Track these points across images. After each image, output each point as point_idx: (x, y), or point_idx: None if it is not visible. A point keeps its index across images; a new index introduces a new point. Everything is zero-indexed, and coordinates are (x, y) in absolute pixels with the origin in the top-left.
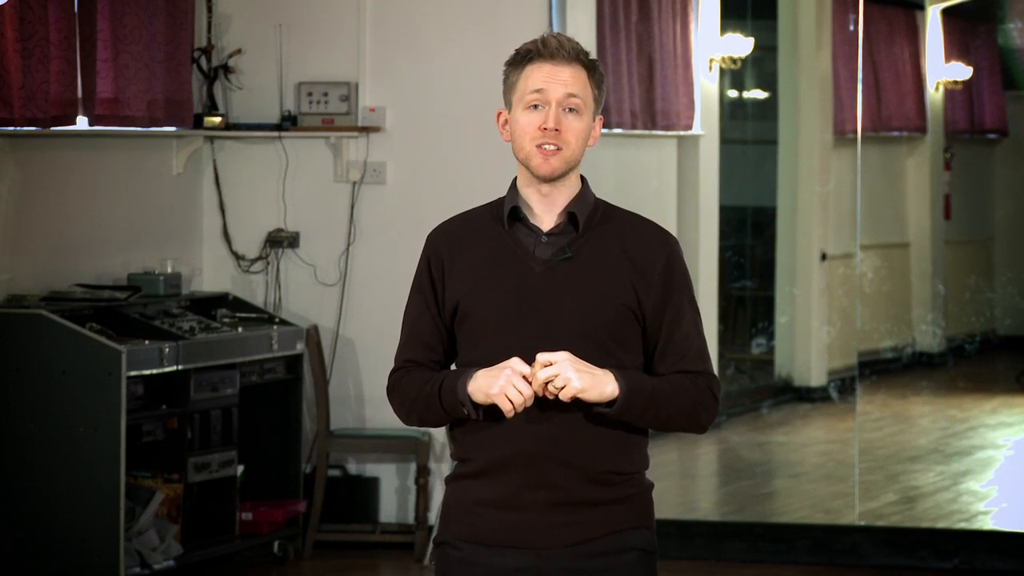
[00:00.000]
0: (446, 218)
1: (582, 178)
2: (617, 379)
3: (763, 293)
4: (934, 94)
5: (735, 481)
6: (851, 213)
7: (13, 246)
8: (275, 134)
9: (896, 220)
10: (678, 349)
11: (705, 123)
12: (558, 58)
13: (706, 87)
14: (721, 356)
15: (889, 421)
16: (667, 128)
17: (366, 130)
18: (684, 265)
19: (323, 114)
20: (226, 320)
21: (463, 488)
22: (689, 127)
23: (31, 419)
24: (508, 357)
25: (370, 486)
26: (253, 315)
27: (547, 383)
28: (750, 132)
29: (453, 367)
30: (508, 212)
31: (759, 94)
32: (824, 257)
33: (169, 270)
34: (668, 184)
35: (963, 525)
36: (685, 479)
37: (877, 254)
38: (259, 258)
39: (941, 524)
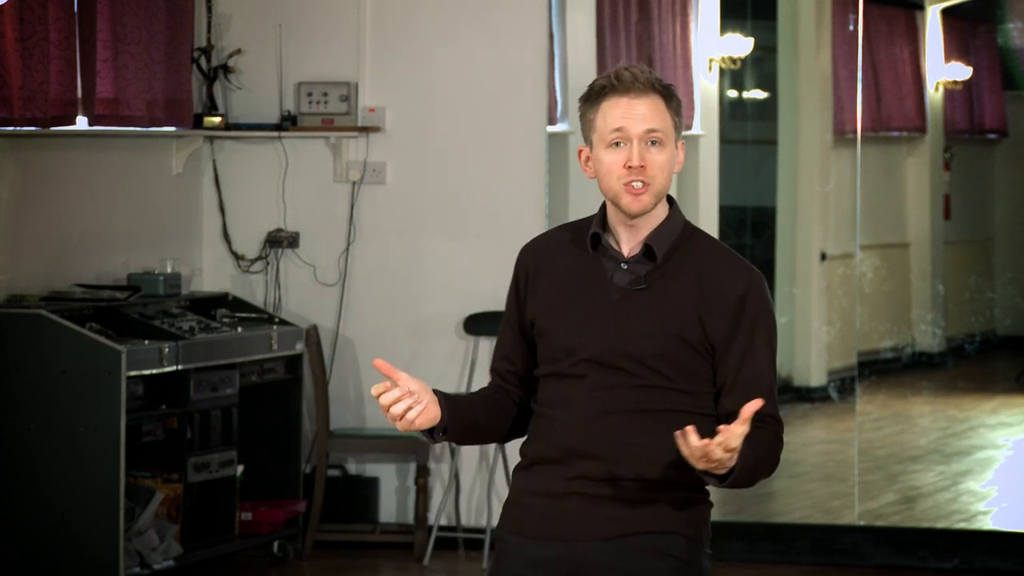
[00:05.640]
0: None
1: (672, 201)
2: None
3: None
4: (934, 94)
5: None
6: (851, 213)
7: (13, 246)
8: (275, 134)
9: (896, 220)
10: (750, 386)
11: (705, 123)
12: (633, 91)
13: (706, 87)
14: None
15: (889, 421)
16: None
17: (366, 130)
18: (765, 302)
19: (323, 114)
20: (226, 320)
21: (516, 479)
22: (689, 127)
23: (31, 419)
24: (567, 381)
25: (370, 486)
26: (253, 315)
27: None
28: (750, 132)
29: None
30: (591, 238)
31: (759, 94)
32: (824, 257)
33: (169, 270)
34: None
35: (963, 525)
36: None
37: (877, 254)
38: (259, 258)
39: (941, 524)
